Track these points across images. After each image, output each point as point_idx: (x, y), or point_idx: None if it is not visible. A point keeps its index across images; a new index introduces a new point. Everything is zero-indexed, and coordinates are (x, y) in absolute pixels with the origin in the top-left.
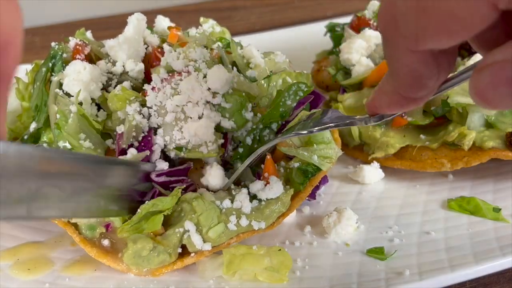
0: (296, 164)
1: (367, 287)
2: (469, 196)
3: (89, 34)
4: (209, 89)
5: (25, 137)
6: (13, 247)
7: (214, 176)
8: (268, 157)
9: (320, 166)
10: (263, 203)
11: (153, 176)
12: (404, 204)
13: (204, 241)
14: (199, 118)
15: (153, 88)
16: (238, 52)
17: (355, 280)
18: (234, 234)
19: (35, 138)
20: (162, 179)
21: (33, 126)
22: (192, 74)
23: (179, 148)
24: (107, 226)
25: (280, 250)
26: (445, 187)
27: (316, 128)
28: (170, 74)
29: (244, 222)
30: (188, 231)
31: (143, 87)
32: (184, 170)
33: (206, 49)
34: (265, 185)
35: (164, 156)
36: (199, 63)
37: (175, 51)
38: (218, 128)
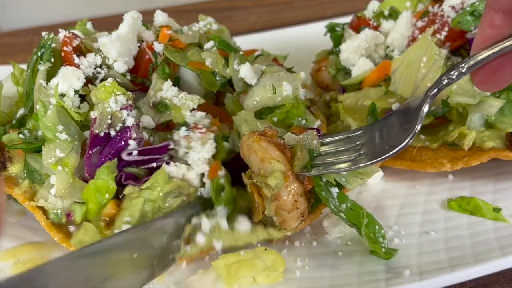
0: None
1: (367, 287)
2: (469, 196)
3: (89, 25)
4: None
5: (13, 122)
6: (13, 247)
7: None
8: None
9: (345, 184)
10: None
11: (123, 155)
12: (404, 204)
13: None
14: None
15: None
16: (234, 68)
17: (355, 280)
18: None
19: (20, 124)
20: (134, 158)
21: (20, 112)
22: None
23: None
24: (68, 215)
25: (266, 249)
26: (445, 187)
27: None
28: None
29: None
30: None
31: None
32: (161, 149)
33: (200, 47)
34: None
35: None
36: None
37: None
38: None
